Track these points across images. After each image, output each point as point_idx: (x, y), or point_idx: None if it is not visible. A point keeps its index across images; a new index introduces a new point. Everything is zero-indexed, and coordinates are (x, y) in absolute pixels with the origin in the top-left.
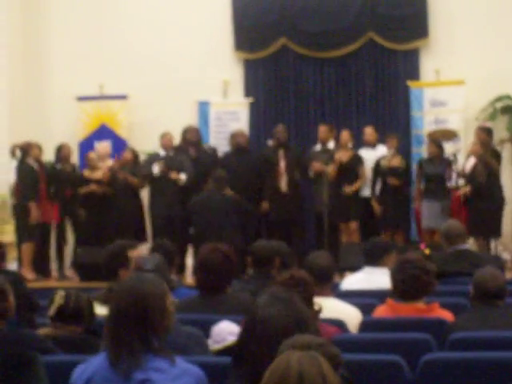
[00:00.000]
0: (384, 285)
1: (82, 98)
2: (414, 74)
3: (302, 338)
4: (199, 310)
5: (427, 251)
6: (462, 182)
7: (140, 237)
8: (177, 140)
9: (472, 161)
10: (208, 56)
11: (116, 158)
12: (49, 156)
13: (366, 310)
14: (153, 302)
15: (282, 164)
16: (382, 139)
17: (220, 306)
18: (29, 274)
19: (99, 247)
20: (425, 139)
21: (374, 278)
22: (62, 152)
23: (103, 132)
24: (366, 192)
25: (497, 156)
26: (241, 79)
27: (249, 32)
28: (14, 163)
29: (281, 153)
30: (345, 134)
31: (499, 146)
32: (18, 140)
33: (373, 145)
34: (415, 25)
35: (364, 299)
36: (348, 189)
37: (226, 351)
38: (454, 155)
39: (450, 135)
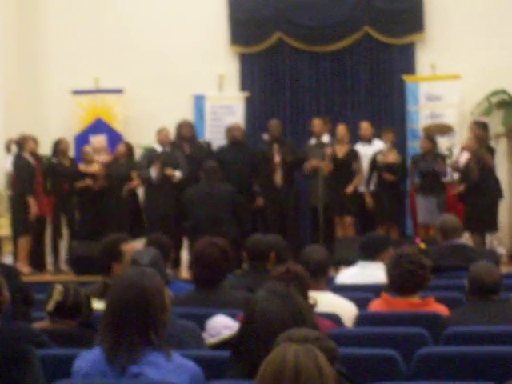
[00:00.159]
0: (379, 279)
1: (77, 92)
2: (410, 68)
3: (299, 331)
4: (195, 304)
5: (423, 246)
6: (456, 176)
7: (135, 231)
8: (173, 135)
9: (465, 155)
10: (204, 50)
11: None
12: (44, 150)
13: (360, 304)
14: (154, 296)
15: (277, 159)
16: (377, 134)
17: (215, 300)
18: (24, 267)
19: (94, 241)
20: (420, 134)
21: (369, 272)
22: (59, 146)
23: (99, 126)
24: (362, 187)
25: (491, 151)
26: (236, 73)
27: (244, 26)
28: (9, 157)
29: (275, 147)
30: (341, 128)
31: (494, 140)
32: (13, 134)
33: (369, 140)
34: (411, 19)
35: (359, 293)
36: (349, 189)
37: (222, 345)
38: (450, 150)
39: (446, 130)
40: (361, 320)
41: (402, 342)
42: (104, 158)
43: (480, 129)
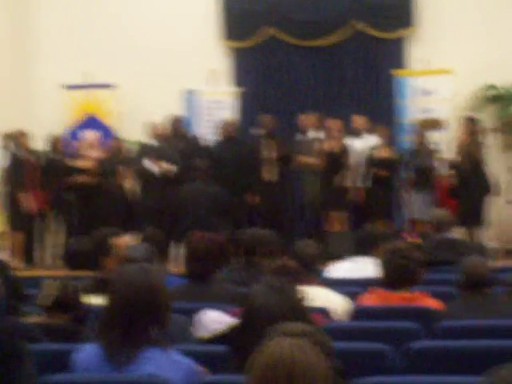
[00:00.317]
0: (371, 274)
1: (69, 87)
2: (401, 62)
3: (293, 325)
4: (187, 299)
5: (417, 240)
6: (446, 170)
7: (128, 226)
8: (166, 130)
9: (457, 150)
10: (196, 45)
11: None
12: (36, 145)
13: (352, 298)
14: (160, 293)
15: (269, 154)
16: (371, 129)
17: (207, 295)
18: (18, 262)
19: (87, 236)
20: (412, 128)
21: (362, 266)
22: (57, 143)
23: (91, 121)
24: (349, 181)
25: (482, 146)
26: (228, 68)
27: (237, 21)
28: (1, 152)
29: (268, 143)
30: (333, 123)
31: (486, 135)
32: (4, 129)
33: (359, 133)
34: (402, 14)
35: (350, 288)
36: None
37: (214, 340)
38: (439, 144)
39: (437, 124)
40: (354, 314)
41: (394, 336)
42: (97, 153)
43: (471, 123)
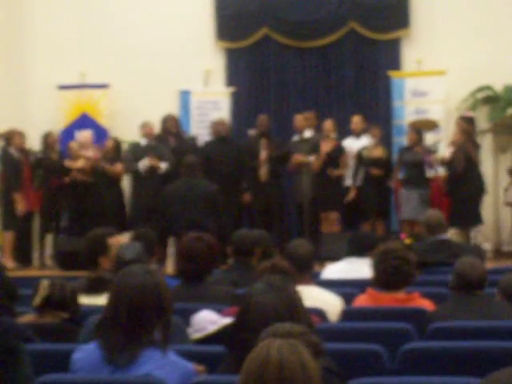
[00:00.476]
0: (365, 275)
1: (63, 87)
2: (396, 64)
3: (283, 326)
4: (180, 299)
5: (408, 241)
6: (441, 169)
7: (121, 226)
8: (157, 129)
9: (452, 149)
10: (190, 45)
11: (98, 147)
12: (30, 145)
13: (346, 299)
14: (166, 294)
15: (264, 154)
16: (364, 129)
17: (201, 295)
18: (9, 262)
19: (80, 236)
20: (406, 129)
21: (356, 267)
22: (48, 139)
23: (84, 121)
24: (348, 182)
25: (476, 146)
26: (222, 68)
27: (230, 21)
28: None
29: (262, 142)
30: (328, 124)
31: (480, 136)
32: None
33: (358, 134)
34: (397, 15)
35: (344, 289)
36: (336, 172)
37: (207, 340)
38: (435, 145)
39: (431, 125)
40: (346, 315)
41: (387, 337)
42: (91, 153)
43: (466, 123)
